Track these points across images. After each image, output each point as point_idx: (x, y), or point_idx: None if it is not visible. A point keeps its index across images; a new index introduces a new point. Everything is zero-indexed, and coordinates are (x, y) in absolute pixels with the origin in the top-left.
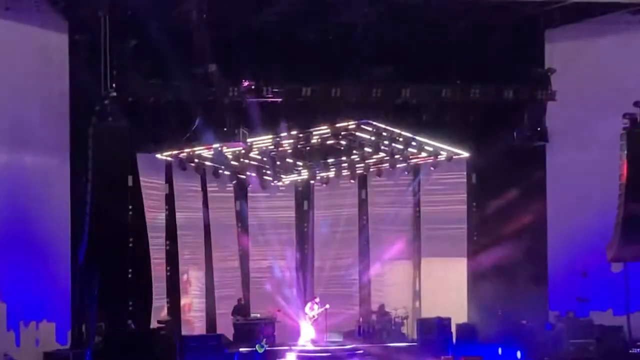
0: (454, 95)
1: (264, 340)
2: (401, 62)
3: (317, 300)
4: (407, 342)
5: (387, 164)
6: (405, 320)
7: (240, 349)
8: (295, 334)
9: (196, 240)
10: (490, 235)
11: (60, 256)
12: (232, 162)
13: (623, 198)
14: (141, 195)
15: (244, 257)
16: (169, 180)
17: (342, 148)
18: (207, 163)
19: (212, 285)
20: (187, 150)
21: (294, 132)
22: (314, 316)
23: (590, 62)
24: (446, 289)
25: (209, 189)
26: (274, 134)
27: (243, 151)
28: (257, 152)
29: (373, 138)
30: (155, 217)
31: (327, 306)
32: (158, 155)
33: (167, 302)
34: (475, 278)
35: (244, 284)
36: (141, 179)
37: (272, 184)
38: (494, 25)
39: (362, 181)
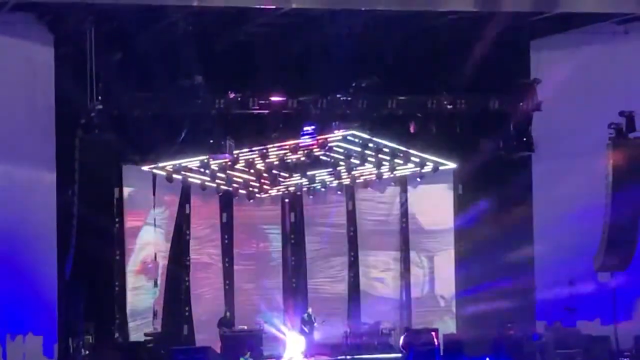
0: (440, 106)
1: (249, 353)
2: (387, 73)
3: (310, 311)
4: (394, 354)
5: (374, 175)
6: (392, 332)
7: None
8: (283, 346)
9: (183, 253)
10: (477, 245)
11: (46, 269)
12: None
13: (609, 207)
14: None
15: (229, 269)
16: (155, 193)
17: (328, 159)
18: (193, 175)
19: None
20: (173, 162)
21: (280, 144)
22: (308, 329)
23: (575, 72)
24: (433, 299)
25: (194, 201)
26: (260, 145)
27: (229, 163)
28: (243, 164)
29: (359, 149)
30: (140, 229)
31: (323, 321)
32: (144, 168)
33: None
34: (462, 288)
35: (228, 296)
36: (127, 191)
37: (259, 195)
38: (480, 36)
39: (349, 192)
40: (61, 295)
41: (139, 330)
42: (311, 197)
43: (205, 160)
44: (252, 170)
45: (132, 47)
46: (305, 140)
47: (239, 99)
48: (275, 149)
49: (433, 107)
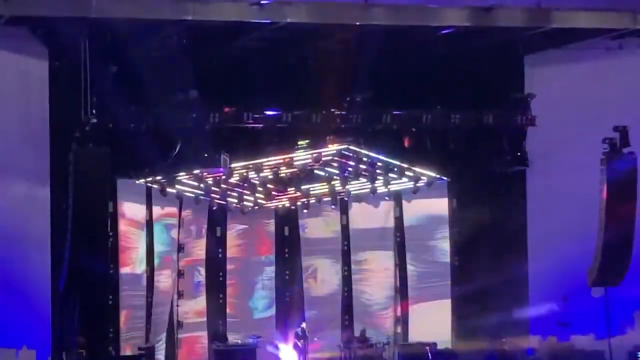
0: (434, 121)
1: None
2: (381, 87)
3: (304, 325)
4: None
5: (368, 190)
6: (386, 346)
7: None
8: None
9: (176, 266)
10: (472, 259)
11: (40, 282)
12: (213, 188)
13: (603, 222)
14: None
15: (222, 283)
16: (149, 207)
17: (323, 174)
18: (188, 189)
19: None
20: (167, 176)
21: (274, 158)
22: (302, 344)
23: (569, 87)
24: (428, 313)
25: (188, 215)
26: (254, 159)
27: (224, 177)
28: (237, 178)
29: (353, 164)
30: (134, 243)
31: (316, 339)
32: (138, 181)
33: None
34: (457, 303)
35: (222, 310)
36: (121, 204)
37: (253, 209)
38: (474, 51)
39: (343, 207)
40: (55, 308)
41: (132, 344)
42: (305, 211)
43: (200, 174)
44: (246, 184)
45: (126, 61)
46: (300, 155)
47: (234, 113)
48: (270, 163)
49: (427, 122)
